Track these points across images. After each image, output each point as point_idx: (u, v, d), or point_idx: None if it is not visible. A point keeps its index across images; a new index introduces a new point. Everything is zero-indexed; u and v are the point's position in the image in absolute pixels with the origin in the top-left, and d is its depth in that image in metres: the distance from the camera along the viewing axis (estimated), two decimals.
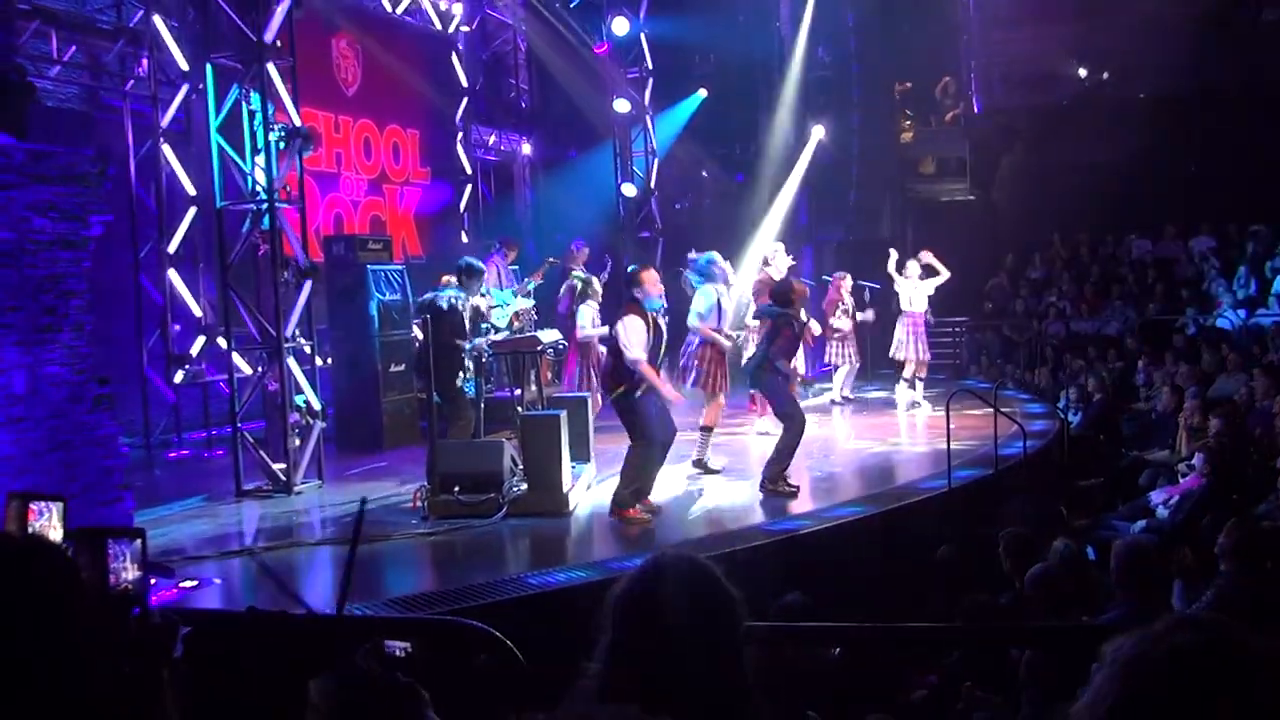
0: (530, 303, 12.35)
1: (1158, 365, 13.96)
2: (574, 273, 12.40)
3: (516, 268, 13.74)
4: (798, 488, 8.84)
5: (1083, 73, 20.65)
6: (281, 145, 9.59)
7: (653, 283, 8.19)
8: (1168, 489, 9.46)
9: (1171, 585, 6.43)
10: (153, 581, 2.39)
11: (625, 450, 8.27)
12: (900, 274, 13.38)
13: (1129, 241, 19.41)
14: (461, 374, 9.33)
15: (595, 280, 11.41)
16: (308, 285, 9.94)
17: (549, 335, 9.70)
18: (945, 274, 13.27)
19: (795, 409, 8.93)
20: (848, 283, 13.89)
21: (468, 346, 9.25)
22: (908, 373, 13.59)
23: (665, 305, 8.62)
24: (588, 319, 11.01)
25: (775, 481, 8.79)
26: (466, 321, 9.46)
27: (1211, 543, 5.83)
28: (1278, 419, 9.90)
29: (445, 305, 9.32)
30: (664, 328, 8.38)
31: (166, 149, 12.07)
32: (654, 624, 1.95)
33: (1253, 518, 7.58)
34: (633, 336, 7.92)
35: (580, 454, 9.19)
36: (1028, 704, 4.52)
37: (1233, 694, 1.34)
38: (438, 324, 8.95)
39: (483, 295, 10.14)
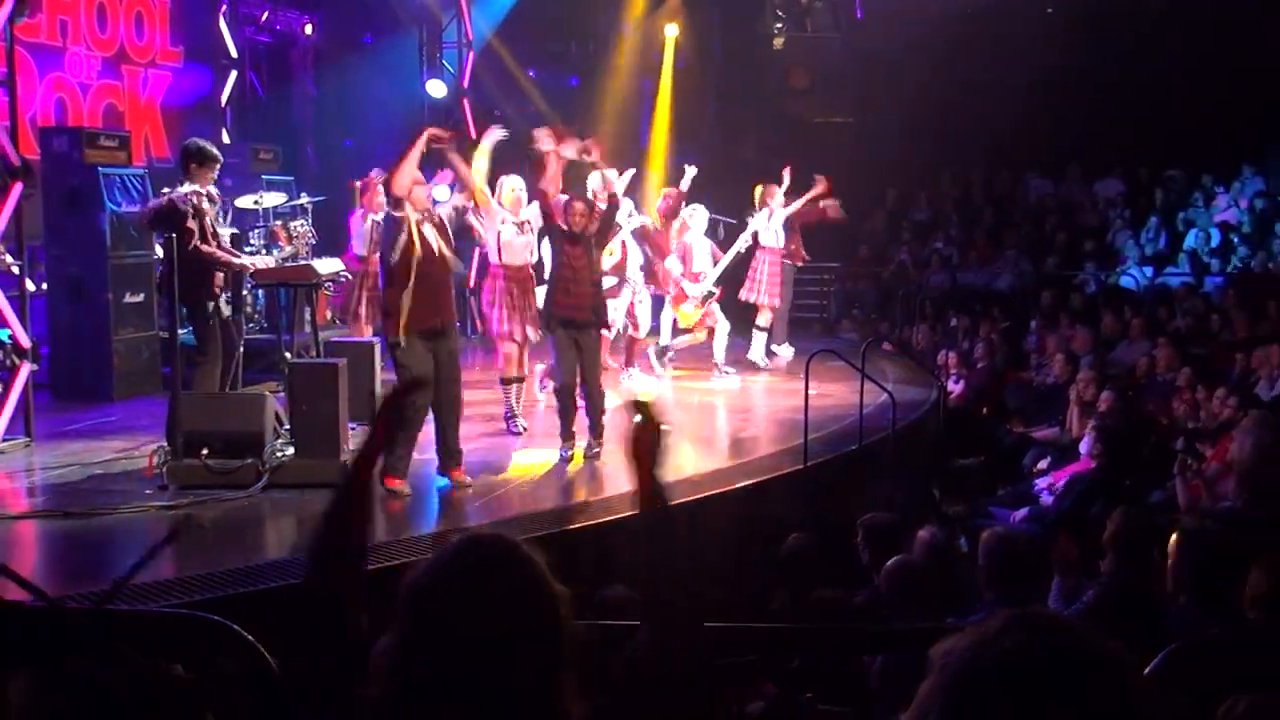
0: (304, 225, 12.13)
1: (1052, 328, 14.62)
2: None
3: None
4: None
5: None
6: None
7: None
8: (1053, 473, 9.97)
9: (1049, 583, 6.78)
10: None
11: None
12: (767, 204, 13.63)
13: (1026, 181, 20.19)
14: (214, 299, 9.08)
15: None
16: (17, 189, 9.63)
17: (327, 265, 9.56)
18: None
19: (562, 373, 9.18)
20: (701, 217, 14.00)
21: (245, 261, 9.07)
22: (764, 321, 13.86)
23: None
24: None
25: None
26: (213, 225, 9.16)
27: (1100, 534, 6.16)
28: (1179, 394, 10.52)
29: (190, 205, 8.99)
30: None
31: None
32: (453, 622, 1.92)
33: (1144, 506, 8.08)
34: None
35: (363, 412, 9.10)
36: (879, 718, 4.75)
37: (1067, 705, 1.36)
38: (179, 232, 8.69)
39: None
